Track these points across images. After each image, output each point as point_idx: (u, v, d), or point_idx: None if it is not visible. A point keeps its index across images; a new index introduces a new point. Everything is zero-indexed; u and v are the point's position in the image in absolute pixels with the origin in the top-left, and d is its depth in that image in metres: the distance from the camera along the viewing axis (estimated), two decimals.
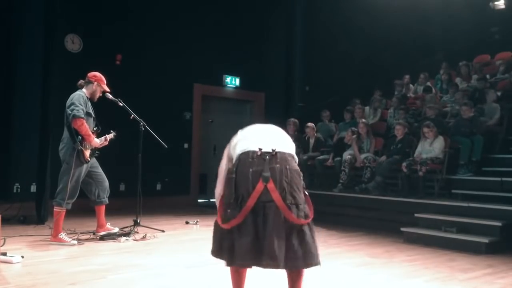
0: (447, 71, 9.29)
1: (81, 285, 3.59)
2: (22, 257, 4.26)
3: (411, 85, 9.70)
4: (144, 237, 5.48)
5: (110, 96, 5.50)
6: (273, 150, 2.63)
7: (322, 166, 8.12)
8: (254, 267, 2.65)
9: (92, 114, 5.26)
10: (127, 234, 5.48)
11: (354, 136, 7.70)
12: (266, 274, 3.07)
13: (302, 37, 10.48)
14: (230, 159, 2.81)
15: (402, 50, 10.09)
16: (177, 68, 9.24)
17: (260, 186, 2.53)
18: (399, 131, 7.30)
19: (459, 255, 5.08)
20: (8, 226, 5.74)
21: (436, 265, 4.59)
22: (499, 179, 6.23)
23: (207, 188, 9.95)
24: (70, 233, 5.39)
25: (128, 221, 5.89)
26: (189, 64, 9.32)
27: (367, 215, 6.95)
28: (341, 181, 7.59)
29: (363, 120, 8.11)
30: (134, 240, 5.37)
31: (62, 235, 5.07)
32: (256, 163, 2.59)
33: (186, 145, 9.48)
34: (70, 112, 4.98)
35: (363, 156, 7.49)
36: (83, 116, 4.99)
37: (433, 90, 8.93)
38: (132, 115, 5.72)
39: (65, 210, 5.07)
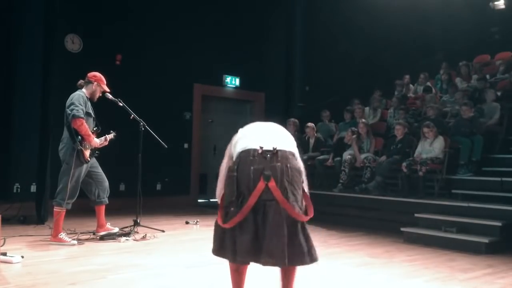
0: (447, 71, 9.29)
1: (81, 285, 3.59)
2: (22, 257, 4.26)
3: (411, 85, 9.70)
4: (144, 237, 5.48)
5: (110, 96, 5.50)
6: (274, 149, 2.63)
7: (322, 166, 8.12)
8: (253, 267, 2.66)
9: (92, 114, 5.26)
10: (127, 234, 5.48)
11: (354, 136, 7.70)
12: (265, 274, 3.07)
13: (302, 37, 10.48)
14: (231, 157, 2.81)
15: (402, 50, 10.09)
16: (177, 68, 9.24)
17: (261, 184, 2.53)
18: (399, 131, 7.30)
19: (459, 255, 5.08)
20: (8, 226, 5.74)
21: (436, 265, 4.59)
22: (499, 179, 6.23)
23: (207, 188, 9.96)
24: (70, 233, 5.39)
25: (128, 221, 5.89)
26: (189, 64, 9.32)
27: (367, 215, 6.95)
28: (341, 181, 7.59)
29: (363, 120, 8.11)
30: (134, 240, 5.37)
31: (62, 235, 5.07)
32: (257, 161, 2.59)
33: (186, 145, 9.49)
34: (69, 112, 4.98)
35: (363, 156, 7.49)
36: (82, 116, 4.99)
37: (433, 90, 8.93)
38: (132, 115, 5.72)
39: (65, 210, 5.07)
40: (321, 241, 5.72)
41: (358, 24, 9.97)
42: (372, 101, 9.17)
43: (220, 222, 2.64)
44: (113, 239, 5.33)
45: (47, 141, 6.42)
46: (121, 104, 5.57)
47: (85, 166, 5.13)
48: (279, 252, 2.50)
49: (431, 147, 6.78)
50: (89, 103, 5.23)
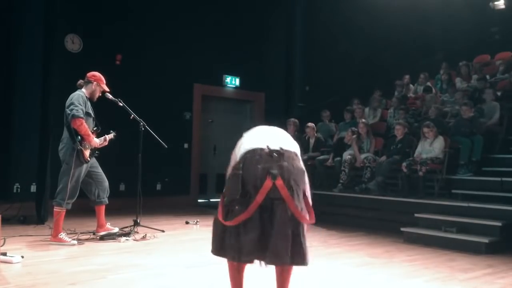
0: (447, 71, 9.29)
1: (81, 285, 3.59)
2: (22, 257, 4.26)
3: (411, 85, 9.70)
4: (144, 237, 5.48)
5: (110, 96, 5.50)
6: (281, 148, 2.64)
7: (322, 166, 8.12)
8: (249, 266, 2.66)
9: (92, 114, 5.26)
10: (127, 234, 5.48)
11: (354, 136, 7.70)
12: (260, 273, 3.07)
13: (302, 37, 10.48)
14: (235, 159, 2.81)
15: (402, 50, 10.09)
16: (177, 68, 9.24)
17: (268, 183, 2.54)
18: (399, 131, 7.30)
19: (459, 255, 5.08)
20: (8, 226, 5.74)
21: (436, 265, 4.59)
22: (499, 179, 6.23)
23: (207, 188, 9.97)
24: (70, 233, 5.39)
25: (128, 221, 5.89)
26: (189, 64, 9.32)
27: (367, 215, 6.95)
28: (341, 181, 7.59)
29: (363, 120, 8.11)
30: (134, 240, 5.37)
31: (62, 235, 5.07)
32: (264, 160, 2.60)
33: (186, 145, 9.48)
34: (69, 112, 4.98)
35: (363, 156, 7.49)
36: (82, 116, 4.99)
37: (433, 90, 8.93)
38: (132, 115, 5.72)
39: (65, 210, 5.07)
40: (321, 241, 5.72)
41: (358, 24, 9.97)
42: (372, 101, 9.17)
43: (221, 220, 2.63)
44: (113, 239, 5.33)
45: (47, 141, 6.42)
46: (121, 104, 5.57)
47: (85, 166, 5.13)
48: (285, 251, 2.52)
49: (431, 147, 6.78)
50: (88, 103, 5.23)
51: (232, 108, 10.54)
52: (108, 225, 5.52)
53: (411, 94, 9.45)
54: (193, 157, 9.56)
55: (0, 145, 7.47)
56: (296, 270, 2.80)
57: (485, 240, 5.26)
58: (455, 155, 6.79)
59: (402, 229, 5.99)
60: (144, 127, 5.80)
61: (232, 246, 2.59)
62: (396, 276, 4.14)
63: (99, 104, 5.47)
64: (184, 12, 9.29)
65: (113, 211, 6.19)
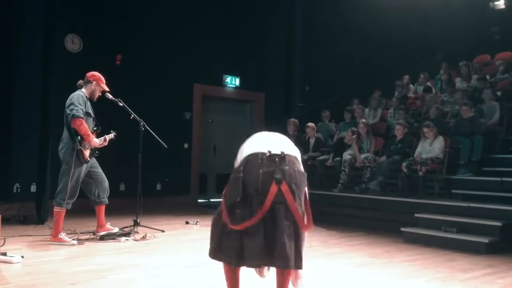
0: (447, 71, 9.29)
1: (81, 285, 3.59)
2: (22, 257, 4.26)
3: (411, 85, 9.70)
4: (144, 237, 5.48)
5: (110, 96, 5.50)
6: (282, 152, 2.66)
7: (322, 166, 8.12)
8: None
9: (92, 114, 5.26)
10: (127, 234, 5.48)
11: (354, 136, 7.70)
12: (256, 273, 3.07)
13: (302, 37, 10.48)
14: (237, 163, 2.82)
15: (402, 50, 10.09)
16: (177, 68, 9.24)
17: (274, 188, 2.55)
18: (399, 131, 7.30)
19: (459, 255, 5.08)
20: (8, 226, 5.74)
21: (436, 265, 4.59)
22: (499, 179, 6.23)
23: (207, 188, 9.97)
24: (70, 233, 5.39)
25: (128, 221, 5.89)
26: (189, 64, 9.32)
27: (367, 215, 6.95)
28: (341, 181, 7.59)
29: (363, 120, 8.11)
30: (134, 240, 5.37)
31: (62, 235, 5.07)
32: (266, 164, 2.61)
33: (186, 145, 9.48)
34: (69, 112, 4.98)
35: (363, 156, 7.49)
36: (82, 116, 4.99)
37: (433, 90, 8.93)
38: (132, 115, 5.72)
39: (65, 210, 5.07)
40: (321, 241, 5.72)
41: (358, 24, 9.97)
42: (371, 101, 9.17)
43: (228, 223, 2.62)
44: (113, 239, 5.33)
45: (47, 141, 6.42)
46: (121, 104, 5.57)
47: (85, 166, 5.13)
48: (290, 255, 2.53)
49: (431, 147, 6.78)
50: (88, 103, 5.23)
51: (232, 108, 10.54)
52: (108, 225, 5.52)
53: (411, 94, 9.45)
54: (193, 157, 9.56)
55: (0, 145, 7.47)
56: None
57: (485, 240, 5.26)
58: (455, 155, 6.79)
59: (402, 229, 5.99)
60: (144, 127, 5.80)
61: (230, 249, 2.59)
62: (396, 276, 4.14)
63: (99, 104, 5.47)
64: (184, 12, 9.29)
65: (113, 211, 6.19)
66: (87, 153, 5.12)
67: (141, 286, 3.64)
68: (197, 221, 6.87)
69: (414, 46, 10.23)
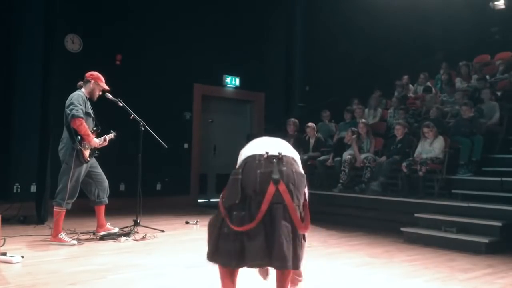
0: (447, 71, 9.29)
1: (81, 285, 3.59)
2: (22, 257, 4.26)
3: (410, 85, 9.70)
4: (144, 237, 5.48)
5: (110, 96, 5.50)
6: (280, 154, 2.66)
7: (322, 166, 8.12)
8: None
9: (92, 114, 5.26)
10: (127, 234, 5.48)
11: (354, 136, 7.70)
12: (256, 274, 3.07)
13: (302, 37, 10.49)
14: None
15: (402, 50, 10.09)
16: (177, 68, 9.24)
17: (272, 188, 2.56)
18: (399, 131, 7.30)
19: (459, 255, 5.08)
20: (8, 226, 5.74)
21: (436, 265, 4.59)
22: (499, 179, 6.22)
23: (207, 188, 9.97)
24: (70, 233, 5.39)
25: (128, 221, 5.89)
26: (189, 64, 9.32)
27: (367, 215, 6.95)
28: (341, 181, 7.59)
29: (363, 120, 8.11)
30: (134, 240, 5.37)
31: (62, 235, 5.07)
32: (264, 165, 2.62)
33: (186, 145, 9.49)
34: (69, 112, 4.99)
35: (363, 156, 7.49)
36: (82, 115, 4.99)
37: (433, 90, 8.93)
38: (132, 115, 5.72)
39: (65, 210, 5.07)
40: (321, 241, 5.72)
41: (358, 24, 9.97)
42: (371, 101, 9.16)
43: (229, 224, 2.62)
44: (113, 239, 5.33)
45: (47, 141, 6.42)
46: (121, 104, 5.57)
47: (84, 166, 5.13)
48: (288, 255, 2.53)
49: (431, 147, 6.78)
50: (88, 103, 5.23)
51: (232, 108, 10.54)
52: (108, 225, 5.52)
53: (411, 94, 9.45)
54: (193, 157, 9.56)
55: (0, 145, 7.47)
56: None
57: (485, 240, 5.26)
58: (455, 155, 6.78)
59: (402, 229, 5.99)
60: (144, 127, 5.80)
61: (229, 251, 2.58)
62: (396, 276, 4.14)
63: (99, 104, 5.47)
64: (184, 12, 9.29)
65: (113, 211, 6.19)
66: (87, 153, 5.12)
67: (141, 286, 3.64)
68: (197, 221, 6.87)
69: (414, 46, 10.23)
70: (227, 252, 2.59)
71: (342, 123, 9.00)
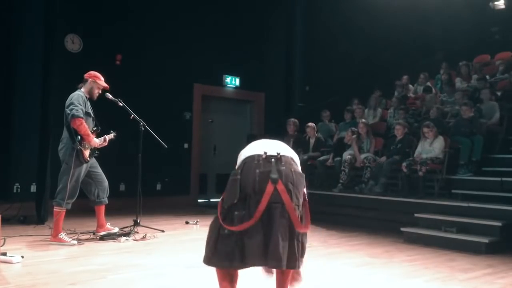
0: (447, 71, 9.29)
1: (81, 285, 3.59)
2: (22, 257, 4.26)
3: (410, 85, 9.70)
4: (144, 237, 5.48)
5: (110, 96, 5.51)
6: (278, 154, 2.67)
7: (322, 166, 8.12)
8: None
9: (92, 114, 5.26)
10: (127, 234, 5.48)
11: (354, 136, 7.70)
12: (256, 275, 3.07)
13: (302, 37, 10.48)
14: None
15: (402, 50, 10.10)
16: (177, 68, 9.24)
17: (270, 187, 2.56)
18: (399, 131, 7.30)
19: (459, 255, 5.08)
20: (8, 226, 5.74)
21: (436, 265, 4.59)
22: (499, 179, 6.23)
23: (207, 188, 9.97)
24: (70, 233, 5.39)
25: (128, 221, 5.89)
26: (189, 64, 9.32)
27: (367, 215, 6.95)
28: (341, 181, 7.59)
29: (363, 120, 8.11)
30: (134, 240, 5.37)
31: (62, 235, 5.07)
32: (262, 165, 2.63)
33: (186, 145, 9.48)
34: (69, 112, 4.99)
35: (363, 156, 7.49)
36: (82, 115, 4.99)
37: (433, 90, 8.93)
38: (132, 115, 5.72)
39: (65, 210, 5.07)
40: (321, 241, 5.72)
41: (358, 24, 9.97)
42: (371, 101, 9.16)
43: (222, 223, 2.62)
44: (113, 239, 5.33)
45: (47, 141, 6.42)
46: (121, 104, 5.57)
47: (84, 166, 5.13)
48: (281, 255, 2.53)
49: (431, 147, 6.78)
50: (88, 103, 5.23)
51: (232, 108, 10.54)
52: (108, 225, 5.52)
53: (411, 94, 9.45)
54: (193, 157, 9.56)
55: (0, 145, 7.47)
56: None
57: (485, 240, 5.26)
58: (455, 155, 6.79)
59: (402, 229, 5.99)
60: (144, 127, 5.80)
61: (228, 253, 2.57)
62: (396, 276, 4.14)
63: (99, 104, 5.47)
64: (184, 12, 9.29)
65: (113, 211, 6.19)
66: (87, 153, 5.12)
67: (141, 286, 3.64)
68: (197, 221, 6.87)
69: (414, 46, 10.23)
70: (227, 253, 2.58)
71: (342, 123, 9.00)
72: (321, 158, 8.20)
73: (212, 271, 3.87)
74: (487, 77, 8.75)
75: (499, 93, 7.98)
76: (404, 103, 8.83)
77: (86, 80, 5.28)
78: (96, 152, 5.35)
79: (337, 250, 5.28)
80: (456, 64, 9.38)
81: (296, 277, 2.94)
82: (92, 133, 5.17)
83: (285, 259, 2.53)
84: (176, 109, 9.31)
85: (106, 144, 5.38)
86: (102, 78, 5.36)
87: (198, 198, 9.65)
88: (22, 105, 7.56)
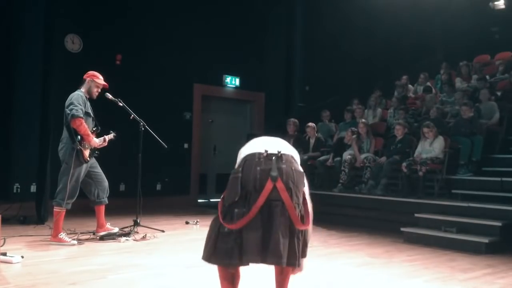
0: (447, 71, 9.29)
1: (81, 285, 3.59)
2: (22, 257, 4.26)
3: (410, 86, 9.71)
4: (144, 237, 5.48)
5: (110, 96, 5.51)
6: (279, 152, 2.68)
7: (322, 166, 8.12)
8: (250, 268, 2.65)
9: (91, 114, 5.26)
10: (127, 234, 5.48)
11: (354, 136, 7.70)
12: (262, 273, 3.07)
13: (302, 37, 10.48)
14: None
15: (402, 50, 10.10)
16: (177, 68, 9.24)
17: (269, 185, 2.56)
18: (399, 131, 7.30)
19: (459, 255, 5.08)
20: (8, 226, 5.74)
21: (436, 265, 4.59)
22: (499, 179, 6.23)
23: (207, 188, 9.97)
24: (70, 233, 5.39)
25: (128, 221, 5.89)
26: (189, 64, 9.32)
27: (367, 215, 6.95)
28: (341, 181, 7.59)
29: (363, 120, 8.11)
30: (134, 240, 5.37)
31: (62, 235, 5.07)
32: (263, 162, 2.63)
33: (186, 145, 9.48)
34: (68, 112, 4.99)
35: (363, 156, 7.49)
36: (81, 115, 4.99)
37: (433, 90, 8.93)
38: (132, 115, 5.72)
39: (65, 210, 5.07)
40: (321, 241, 5.72)
41: (358, 24, 9.98)
42: (370, 100, 9.16)
43: (225, 224, 2.61)
44: (113, 239, 5.33)
45: (47, 141, 6.42)
46: (121, 104, 5.57)
47: (84, 166, 5.13)
48: (281, 252, 2.53)
49: (431, 147, 6.78)
50: (88, 103, 5.23)
51: (232, 108, 10.54)
52: (108, 225, 5.52)
53: (411, 94, 9.45)
54: (193, 157, 9.56)
55: (0, 145, 7.47)
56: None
57: (485, 240, 5.26)
58: (455, 155, 6.79)
59: (402, 229, 5.99)
60: (144, 127, 5.80)
61: (228, 250, 2.58)
62: (396, 276, 4.14)
63: (99, 104, 5.47)
64: (184, 12, 9.29)
65: (113, 211, 6.19)
66: (86, 153, 5.12)
67: (141, 286, 3.64)
68: (197, 221, 6.87)
69: (414, 46, 10.23)
70: (226, 251, 2.58)
71: (342, 123, 9.00)
72: (321, 158, 8.20)
73: (212, 271, 3.87)
74: (487, 77, 8.76)
75: (499, 93, 7.98)
76: (404, 103, 8.83)
77: (85, 80, 5.29)
78: (96, 152, 5.35)
79: (337, 250, 5.28)
80: (456, 64, 9.38)
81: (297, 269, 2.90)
82: (92, 133, 5.17)
83: (285, 256, 2.54)
84: (176, 109, 9.30)
85: (106, 144, 5.38)
86: (101, 77, 5.36)
87: (198, 198, 9.65)
88: (22, 105, 7.56)
